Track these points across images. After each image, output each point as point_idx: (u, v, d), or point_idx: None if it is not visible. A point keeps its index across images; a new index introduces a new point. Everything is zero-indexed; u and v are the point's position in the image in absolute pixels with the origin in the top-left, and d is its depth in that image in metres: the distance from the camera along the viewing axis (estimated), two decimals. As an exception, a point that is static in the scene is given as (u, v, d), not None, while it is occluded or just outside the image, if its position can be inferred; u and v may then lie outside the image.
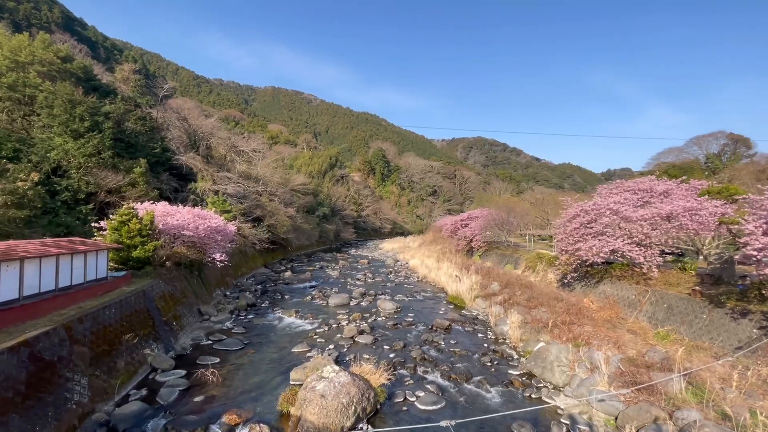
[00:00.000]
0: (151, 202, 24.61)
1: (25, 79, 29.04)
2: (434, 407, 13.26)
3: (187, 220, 22.64)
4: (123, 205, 29.26)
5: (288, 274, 38.87)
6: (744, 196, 15.41)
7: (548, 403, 13.73)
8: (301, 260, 52.23)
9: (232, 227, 26.61)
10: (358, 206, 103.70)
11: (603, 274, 22.75)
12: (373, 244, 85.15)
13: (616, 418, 11.80)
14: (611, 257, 19.46)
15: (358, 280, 37.37)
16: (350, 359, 17.04)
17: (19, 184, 24.14)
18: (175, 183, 36.43)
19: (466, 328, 22.18)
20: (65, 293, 14.17)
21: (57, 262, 14.12)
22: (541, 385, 14.95)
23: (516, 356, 17.99)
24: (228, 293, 29.18)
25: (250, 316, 23.79)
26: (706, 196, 18.58)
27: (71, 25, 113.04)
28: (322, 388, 12.09)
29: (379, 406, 13.04)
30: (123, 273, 18.41)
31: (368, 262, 50.82)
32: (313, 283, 35.20)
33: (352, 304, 27.44)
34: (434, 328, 21.93)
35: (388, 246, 72.27)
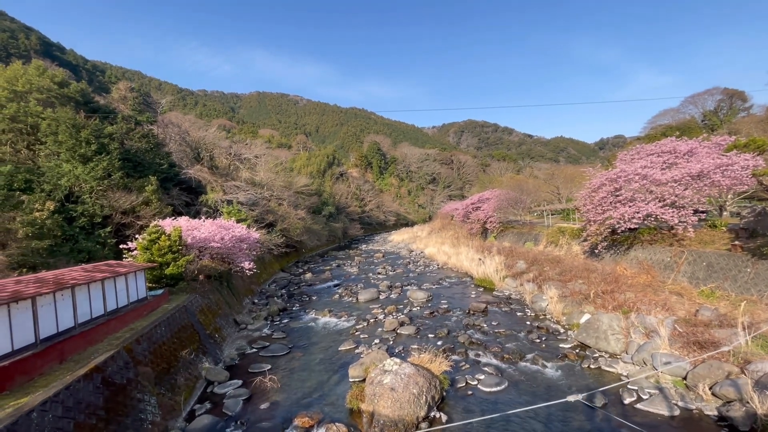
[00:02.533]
0: (173, 218, 24.43)
1: (26, 108, 28.56)
2: (498, 388, 13.34)
3: (213, 231, 22.51)
4: (138, 225, 29.22)
5: (308, 275, 38.82)
6: (776, 146, 15.38)
7: (609, 371, 13.84)
8: (315, 261, 52.16)
9: (255, 234, 26.50)
10: (361, 202, 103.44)
11: (632, 241, 22.80)
12: (381, 237, 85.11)
13: (685, 378, 11.89)
14: (644, 222, 19.50)
15: (379, 274, 37.40)
16: (400, 351, 17.08)
17: (36, 214, 23.94)
18: (186, 197, 36.14)
19: (503, 309, 22.26)
20: (115, 316, 14.08)
21: (103, 286, 14.02)
22: (597, 354, 15.05)
23: (562, 330, 18.08)
24: (256, 301, 29.14)
25: (285, 321, 23.76)
26: (734, 151, 18.59)
27: (50, 51, 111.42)
28: (390, 381, 12.11)
29: (444, 393, 13.10)
30: (161, 291, 18.31)
31: (383, 256, 50.84)
32: (336, 282, 35.18)
33: (381, 297, 27.47)
34: (472, 312, 22.00)
35: (397, 238, 72.26)
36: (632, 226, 19.85)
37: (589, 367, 14.24)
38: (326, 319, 23.35)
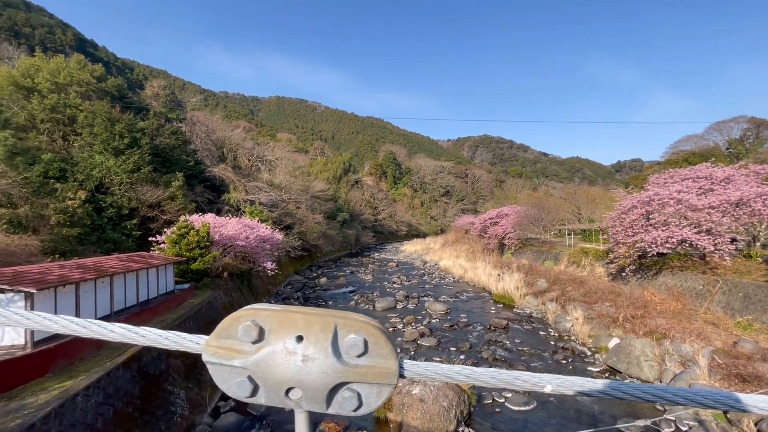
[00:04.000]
0: (200, 214, 24.76)
1: (65, 100, 29.52)
2: (527, 407, 13.02)
3: (238, 230, 22.75)
4: (163, 219, 29.70)
5: (323, 280, 38.84)
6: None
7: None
8: (329, 266, 52.19)
9: (278, 235, 26.70)
10: (374, 210, 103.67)
11: (661, 266, 22.28)
12: (393, 247, 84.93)
13: (726, 412, 11.44)
14: (677, 248, 19.08)
15: (394, 283, 37.20)
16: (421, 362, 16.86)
17: (69, 202, 24.56)
18: (209, 195, 36.71)
19: (525, 327, 21.87)
20: (146, 307, 14.24)
21: (137, 277, 14.21)
22: (627, 380, 14.60)
23: (589, 353, 17.64)
24: (272, 302, 29.18)
25: (303, 324, 23.69)
26: (776, 180, 18.20)
27: (84, 47, 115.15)
28: (420, 392, 11.94)
29: (472, 408, 12.84)
30: (187, 285, 18.48)
31: (396, 265, 50.62)
32: (351, 289, 35.07)
33: (398, 307, 27.27)
34: (493, 328, 21.65)
35: (410, 248, 71.98)
36: (664, 251, 19.42)
37: (620, 392, 13.84)
38: (344, 325, 23.20)
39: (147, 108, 38.14)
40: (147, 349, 11.35)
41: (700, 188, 20.07)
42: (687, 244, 18.90)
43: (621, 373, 15.17)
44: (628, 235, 21.02)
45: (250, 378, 0.88)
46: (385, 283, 37.55)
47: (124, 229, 28.21)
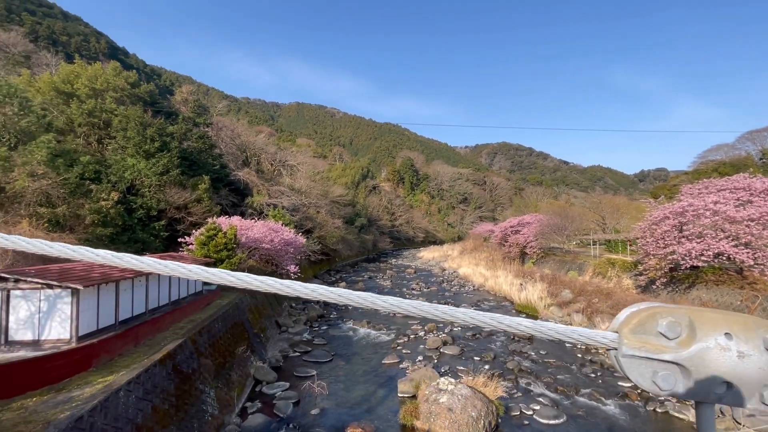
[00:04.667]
0: (227, 217, 25.31)
1: (102, 105, 30.80)
2: (557, 421, 12.70)
3: (264, 233, 23.14)
4: (189, 221, 30.48)
5: (342, 285, 38.97)
6: None
7: (680, 417, 12.90)
8: (347, 271, 52.39)
9: (302, 239, 27.02)
10: (391, 216, 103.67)
11: (694, 280, 21.47)
12: (410, 253, 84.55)
13: (772, 435, 10.87)
14: (713, 261, 18.37)
15: (413, 290, 37.02)
16: (446, 370, 16.69)
17: (102, 203, 25.50)
18: (234, 198, 37.52)
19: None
20: (177, 306, 14.60)
21: (170, 277, 14.59)
22: (662, 398, 14.08)
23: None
24: (293, 305, 29.41)
25: (324, 327, 23.85)
26: (821, 193, 17.38)
27: (116, 54, 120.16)
28: (447, 401, 11.80)
29: (499, 420, 12.60)
30: (214, 287, 18.85)
31: (414, 272, 50.42)
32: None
33: (419, 314, 27.09)
34: (516, 338, 21.25)
35: (428, 255, 71.58)
36: (699, 264, 18.72)
37: (655, 410, 13.34)
38: (365, 330, 23.24)
39: (176, 113, 39.41)
40: (181, 347, 11.62)
41: (737, 199, 19.31)
42: (724, 258, 18.18)
43: (655, 389, 14.63)
44: (659, 247, 20.36)
45: (673, 372, 0.90)
46: (404, 289, 37.41)
47: (153, 229, 29.10)
